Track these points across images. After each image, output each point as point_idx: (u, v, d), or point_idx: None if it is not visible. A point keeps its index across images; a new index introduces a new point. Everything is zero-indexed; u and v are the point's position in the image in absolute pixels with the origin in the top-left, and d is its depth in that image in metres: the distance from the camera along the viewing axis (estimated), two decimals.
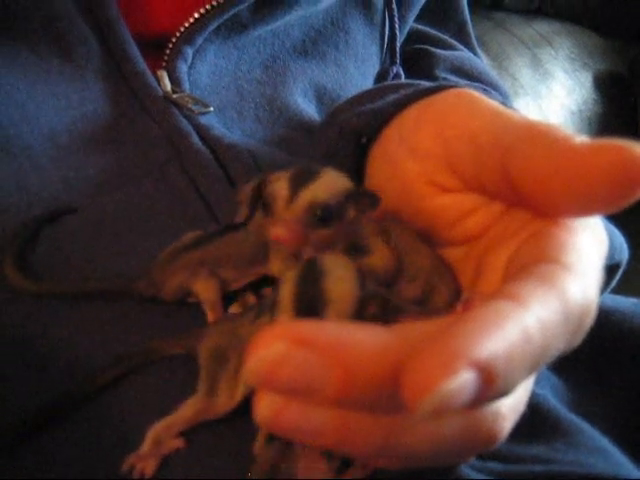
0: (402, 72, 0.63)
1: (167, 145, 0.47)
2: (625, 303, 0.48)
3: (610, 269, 0.43)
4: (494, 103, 0.32)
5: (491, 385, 0.19)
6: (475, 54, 0.72)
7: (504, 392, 0.21)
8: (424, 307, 0.32)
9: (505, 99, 0.58)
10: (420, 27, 0.71)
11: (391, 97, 0.37)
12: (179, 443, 0.34)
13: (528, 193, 0.27)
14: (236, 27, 0.51)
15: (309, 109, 0.56)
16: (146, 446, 0.33)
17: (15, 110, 0.45)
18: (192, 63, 0.50)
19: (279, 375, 0.20)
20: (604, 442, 0.38)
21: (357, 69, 0.61)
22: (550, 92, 1.21)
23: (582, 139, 0.26)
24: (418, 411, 0.19)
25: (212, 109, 0.49)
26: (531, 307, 0.22)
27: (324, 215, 0.31)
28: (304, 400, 0.22)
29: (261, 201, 0.33)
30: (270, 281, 0.39)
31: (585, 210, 0.27)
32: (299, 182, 0.31)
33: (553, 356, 0.23)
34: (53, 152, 0.45)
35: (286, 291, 0.28)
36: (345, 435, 0.23)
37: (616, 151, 0.24)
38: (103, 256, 0.42)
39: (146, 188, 0.45)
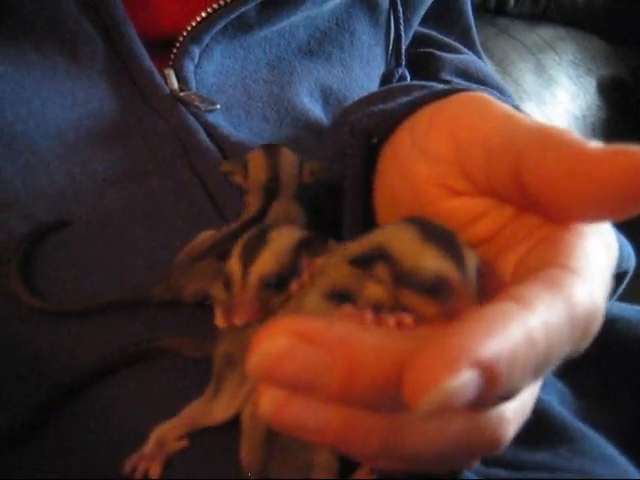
0: (407, 74, 0.64)
1: (174, 142, 0.47)
2: (630, 311, 0.48)
3: (617, 277, 0.43)
4: (506, 107, 0.32)
5: (493, 385, 0.19)
6: (480, 58, 0.72)
7: (507, 394, 0.21)
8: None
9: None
10: (425, 31, 0.71)
11: (403, 98, 0.37)
12: (183, 444, 0.34)
13: (540, 197, 0.27)
14: (242, 27, 0.52)
15: (315, 109, 0.56)
16: (150, 446, 0.33)
17: (21, 107, 0.45)
18: (199, 62, 0.51)
19: (282, 369, 0.20)
20: (609, 449, 0.38)
21: (362, 70, 0.61)
22: (554, 98, 1.21)
23: (595, 144, 0.26)
24: (419, 409, 0.18)
25: (219, 106, 0.49)
26: (536, 310, 0.21)
27: (278, 283, 0.33)
28: (306, 396, 0.21)
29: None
30: None
31: (597, 215, 0.27)
32: (248, 257, 0.33)
33: (558, 360, 0.23)
34: (59, 149, 0.45)
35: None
36: (346, 433, 0.23)
37: (629, 156, 0.24)
38: (108, 253, 0.42)
39: (152, 185, 0.45)
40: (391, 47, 0.64)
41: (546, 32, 1.32)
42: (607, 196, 0.25)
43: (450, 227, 0.30)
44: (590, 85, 1.28)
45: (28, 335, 0.38)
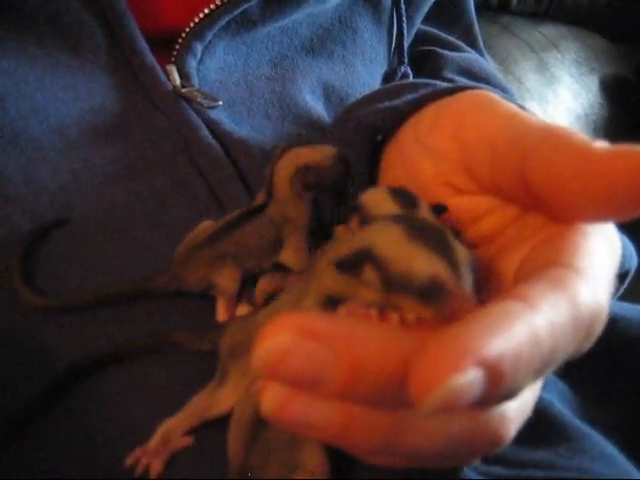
0: (410, 72, 0.64)
1: (176, 138, 0.47)
2: (632, 310, 0.48)
3: (619, 277, 0.43)
4: (512, 106, 0.32)
5: (498, 384, 0.19)
6: (482, 56, 0.72)
7: (511, 393, 0.21)
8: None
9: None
10: (427, 29, 0.71)
11: (409, 96, 0.37)
12: (188, 441, 0.33)
13: (545, 196, 0.27)
14: (245, 24, 0.51)
15: (317, 107, 0.56)
16: (154, 441, 0.33)
17: (23, 103, 0.45)
18: (201, 59, 0.50)
19: (287, 365, 0.20)
20: (609, 448, 0.38)
21: (365, 68, 0.61)
22: (556, 96, 1.21)
23: (601, 144, 0.26)
24: (423, 407, 0.19)
25: (221, 103, 0.49)
26: (541, 309, 0.21)
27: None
28: (310, 392, 0.22)
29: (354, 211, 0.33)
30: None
31: (602, 215, 0.27)
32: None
33: (561, 360, 0.23)
34: (61, 145, 0.45)
35: None
36: (348, 429, 0.23)
37: (635, 157, 0.24)
38: (110, 248, 0.42)
39: (154, 180, 0.45)
40: (394, 45, 0.64)
41: (549, 30, 1.32)
42: (612, 196, 0.25)
43: (436, 222, 0.29)
44: (593, 83, 1.28)
45: (30, 329, 0.38)
